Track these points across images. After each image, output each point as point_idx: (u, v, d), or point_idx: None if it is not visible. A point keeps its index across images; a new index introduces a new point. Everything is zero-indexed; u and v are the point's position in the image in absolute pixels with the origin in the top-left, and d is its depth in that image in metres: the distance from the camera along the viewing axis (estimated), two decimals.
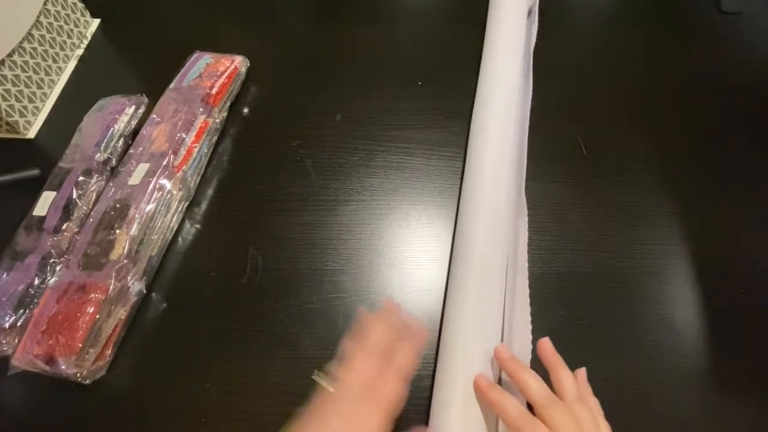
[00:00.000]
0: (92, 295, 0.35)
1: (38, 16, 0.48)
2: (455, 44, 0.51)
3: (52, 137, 0.45)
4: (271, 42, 0.56)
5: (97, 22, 0.58)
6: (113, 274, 0.36)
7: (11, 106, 0.46)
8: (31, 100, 0.48)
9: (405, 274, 0.40)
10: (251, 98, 0.51)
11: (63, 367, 0.33)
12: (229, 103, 0.49)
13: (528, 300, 0.36)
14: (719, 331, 0.38)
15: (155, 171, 0.41)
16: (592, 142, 0.47)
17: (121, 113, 0.46)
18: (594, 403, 0.31)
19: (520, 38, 0.50)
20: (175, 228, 0.42)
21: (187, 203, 0.43)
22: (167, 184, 0.41)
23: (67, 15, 0.53)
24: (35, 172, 0.44)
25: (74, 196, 0.41)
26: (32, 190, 0.42)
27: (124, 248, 0.37)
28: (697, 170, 0.46)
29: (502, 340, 0.35)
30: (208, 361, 0.36)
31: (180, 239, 0.42)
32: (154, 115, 0.45)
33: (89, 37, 0.56)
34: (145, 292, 0.39)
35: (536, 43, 0.56)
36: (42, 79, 0.50)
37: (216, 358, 0.37)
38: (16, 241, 0.39)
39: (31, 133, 0.48)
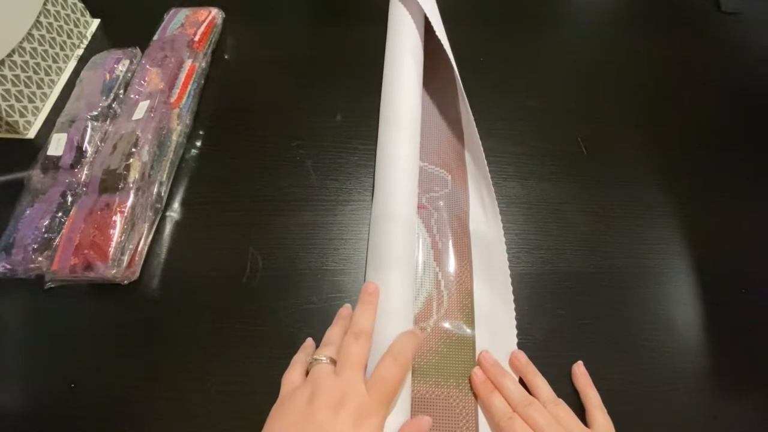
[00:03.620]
0: (117, 209, 0.39)
1: (38, 16, 0.48)
2: (456, 43, 0.51)
3: None
4: (270, 41, 0.56)
5: (97, 22, 0.58)
6: (132, 194, 0.40)
7: (11, 106, 0.46)
8: (31, 100, 0.48)
9: None
10: (229, 47, 0.56)
11: (102, 270, 0.37)
12: (210, 50, 0.53)
13: (514, 316, 0.37)
14: (719, 331, 0.38)
15: (154, 107, 0.45)
16: (592, 142, 0.47)
17: (118, 63, 0.50)
18: (594, 395, 0.33)
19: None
20: (179, 159, 0.46)
21: (185, 138, 0.47)
22: (167, 117, 0.45)
23: (67, 15, 0.53)
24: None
25: (86, 135, 0.44)
26: None
27: (138, 172, 0.41)
28: (697, 170, 0.46)
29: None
30: (208, 361, 0.36)
31: (185, 169, 0.46)
32: (146, 63, 0.49)
33: (89, 37, 0.56)
34: (159, 215, 0.43)
35: (536, 43, 0.56)
36: (42, 79, 0.50)
37: (216, 358, 0.37)
38: (32, 182, 0.42)
39: (31, 133, 0.48)
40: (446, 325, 0.37)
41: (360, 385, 0.28)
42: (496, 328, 0.37)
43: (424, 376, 0.35)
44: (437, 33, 0.44)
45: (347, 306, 0.37)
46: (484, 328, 0.37)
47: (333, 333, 0.33)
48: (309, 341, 0.36)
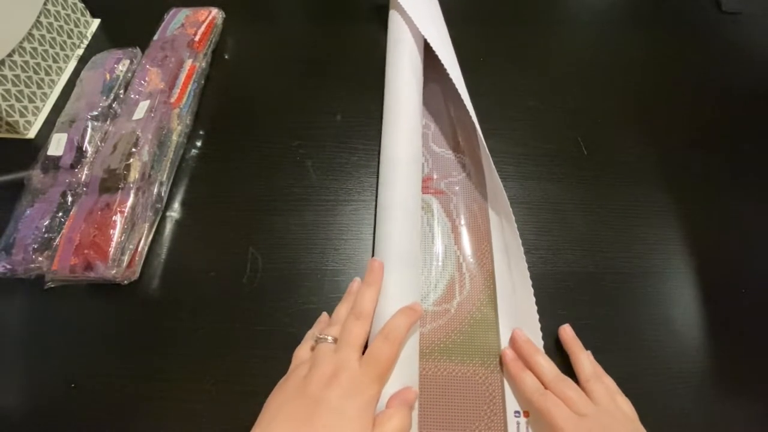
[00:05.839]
0: (117, 209, 0.39)
1: (38, 16, 0.48)
2: (456, 43, 0.51)
3: None
4: (270, 41, 0.56)
5: (97, 22, 0.58)
6: (132, 194, 0.40)
7: (11, 106, 0.46)
8: (31, 100, 0.48)
9: None
10: (229, 47, 0.56)
11: (102, 270, 0.37)
12: (210, 50, 0.53)
13: (532, 293, 0.37)
14: (719, 331, 0.38)
15: (155, 107, 0.45)
16: (592, 142, 0.47)
17: (118, 63, 0.50)
18: (609, 381, 0.33)
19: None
20: (179, 159, 0.46)
21: (186, 138, 0.47)
22: (167, 117, 0.45)
23: (67, 15, 0.53)
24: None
25: (86, 135, 0.44)
26: None
27: (138, 172, 0.41)
28: (696, 170, 0.46)
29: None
30: (208, 361, 0.36)
31: (185, 169, 0.46)
32: (146, 63, 0.49)
33: (89, 37, 0.56)
34: (160, 215, 0.43)
35: (536, 43, 0.56)
36: (42, 79, 0.50)
37: (216, 358, 0.37)
38: (33, 182, 0.42)
39: (31, 133, 0.48)
40: (469, 306, 0.38)
41: (354, 362, 0.29)
42: (518, 308, 0.37)
43: (449, 355, 0.36)
44: (436, 52, 0.44)
45: (356, 280, 0.38)
46: (506, 307, 0.38)
47: (341, 311, 0.35)
48: (324, 316, 0.37)
